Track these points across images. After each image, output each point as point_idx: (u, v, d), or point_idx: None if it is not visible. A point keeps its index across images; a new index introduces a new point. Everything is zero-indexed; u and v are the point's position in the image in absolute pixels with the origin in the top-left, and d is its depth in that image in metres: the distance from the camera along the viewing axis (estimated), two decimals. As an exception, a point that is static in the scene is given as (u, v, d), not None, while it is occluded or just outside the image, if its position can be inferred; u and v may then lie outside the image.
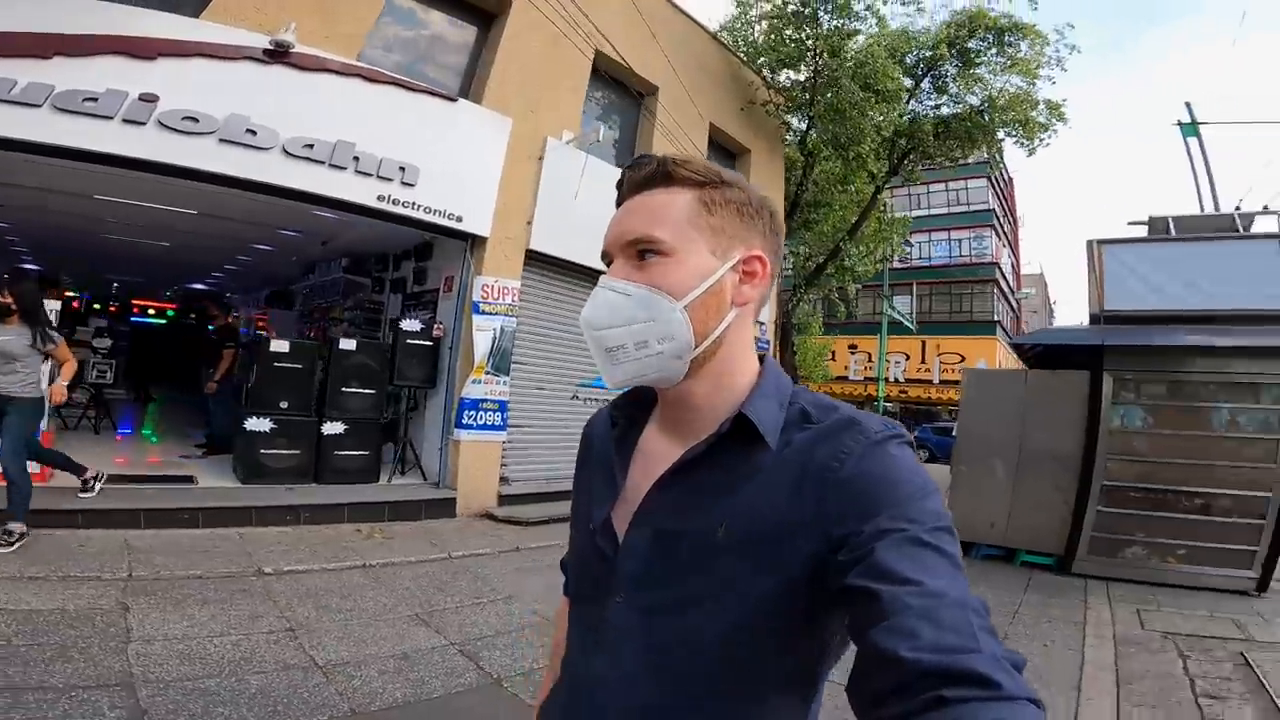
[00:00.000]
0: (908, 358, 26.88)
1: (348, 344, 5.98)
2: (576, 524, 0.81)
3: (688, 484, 0.67)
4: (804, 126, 11.78)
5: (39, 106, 4.03)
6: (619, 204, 0.73)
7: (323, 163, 5.07)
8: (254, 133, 4.72)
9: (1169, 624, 4.32)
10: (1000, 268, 27.45)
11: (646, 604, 0.66)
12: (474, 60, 6.64)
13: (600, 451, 0.80)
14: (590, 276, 7.48)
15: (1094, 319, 6.12)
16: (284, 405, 5.51)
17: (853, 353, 27.68)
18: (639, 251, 0.68)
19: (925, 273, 27.48)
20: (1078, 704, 3.09)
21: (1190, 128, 13.49)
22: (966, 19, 11.90)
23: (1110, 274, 6.02)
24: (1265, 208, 8.00)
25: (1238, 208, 8.69)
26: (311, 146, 5.00)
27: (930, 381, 26.40)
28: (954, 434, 9.06)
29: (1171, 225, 6.55)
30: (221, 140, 4.60)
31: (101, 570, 3.49)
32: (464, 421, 6.15)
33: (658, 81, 8.31)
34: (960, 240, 27.03)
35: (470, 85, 6.46)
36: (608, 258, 0.72)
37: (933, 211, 27.73)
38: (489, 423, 6.32)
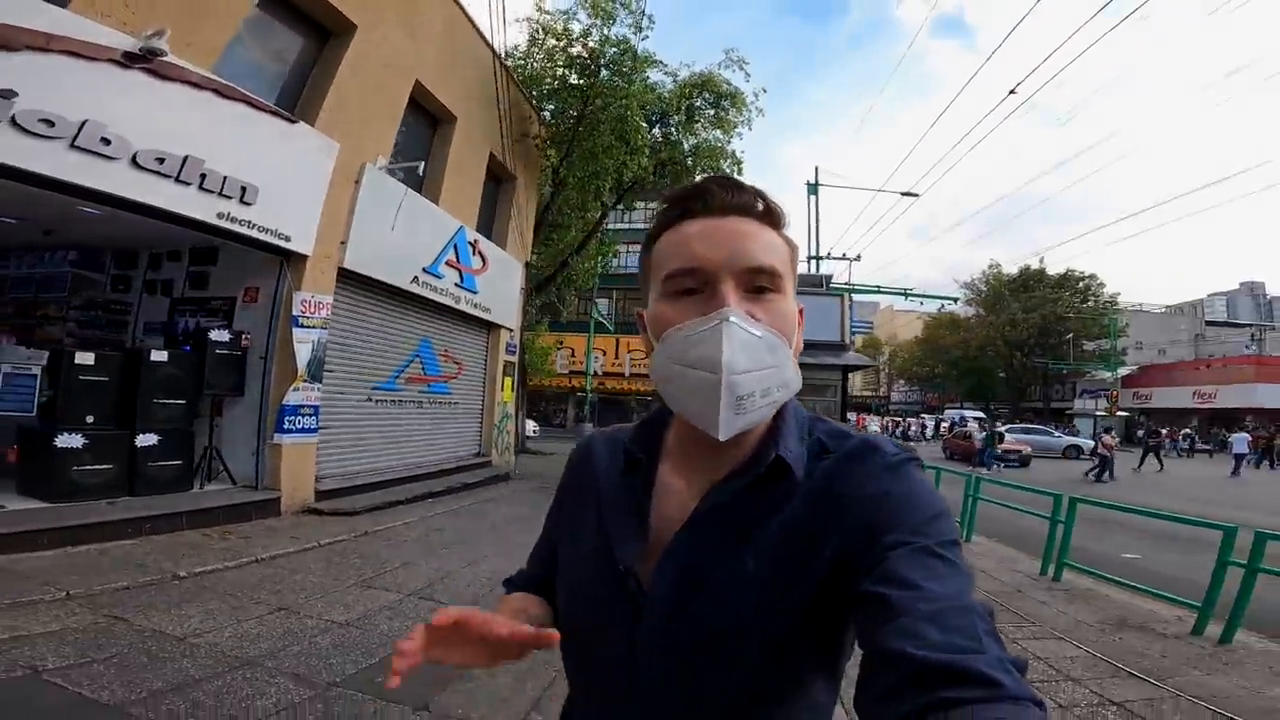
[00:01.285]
0: (604, 354, 31.48)
1: (159, 355, 5.93)
2: (575, 557, 0.79)
3: (717, 523, 0.68)
4: (558, 159, 13.84)
5: None
6: (691, 215, 0.68)
7: (170, 177, 5.20)
8: (108, 141, 4.73)
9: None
10: (676, 281, 34.02)
11: (677, 641, 0.66)
12: (309, 80, 6.98)
13: (609, 485, 0.78)
14: (394, 294, 8.35)
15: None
16: (90, 420, 5.36)
17: (559, 348, 31.05)
18: (756, 285, 0.66)
19: (623, 280, 32.38)
20: None
21: (813, 186, 19.97)
22: (700, 81, 15.39)
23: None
24: (830, 278, 13.15)
25: (829, 276, 13.81)
26: (163, 160, 5.11)
27: (622, 374, 31.44)
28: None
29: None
30: (73, 146, 4.55)
31: (44, 592, 3.68)
32: (285, 426, 6.64)
33: (458, 112, 9.45)
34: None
35: (304, 106, 6.83)
36: (701, 278, 0.65)
37: (632, 225, 32.84)
38: (305, 426, 6.89)
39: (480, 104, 10.21)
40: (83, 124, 4.58)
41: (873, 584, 0.57)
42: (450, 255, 9.24)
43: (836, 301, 9.91)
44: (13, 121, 4.22)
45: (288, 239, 6.45)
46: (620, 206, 17.30)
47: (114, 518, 5.01)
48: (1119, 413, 37.86)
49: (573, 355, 31.32)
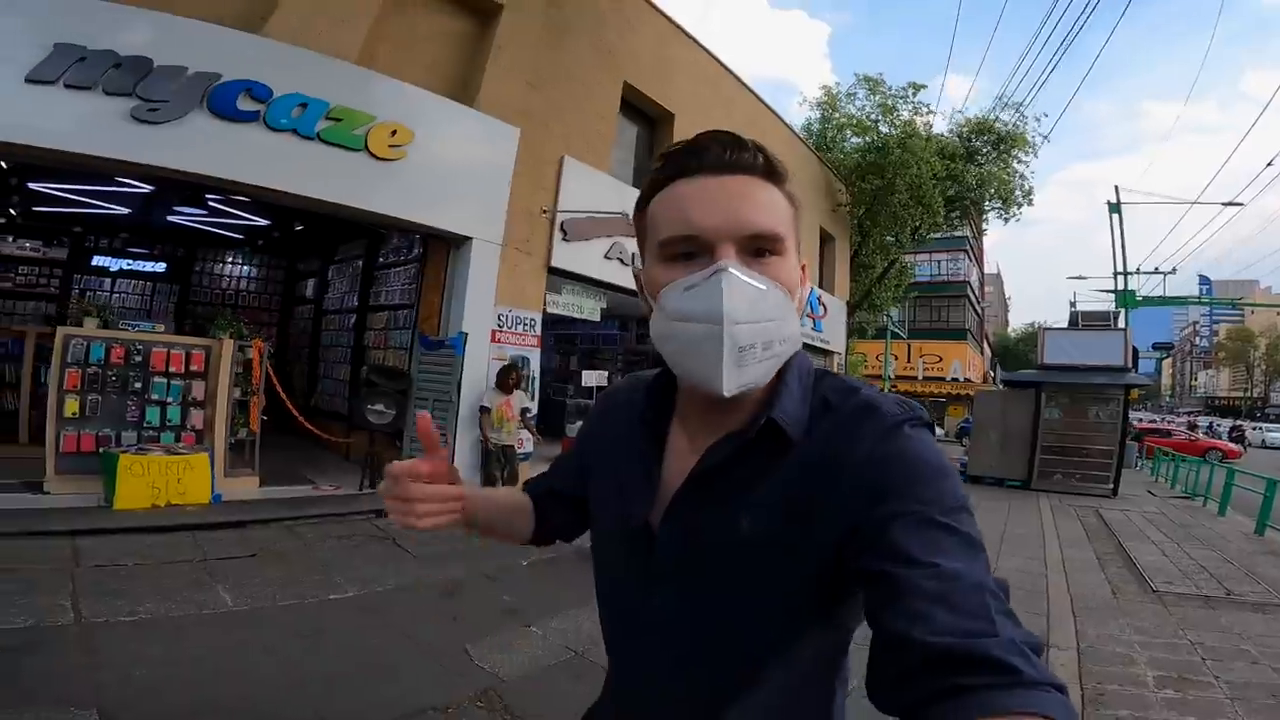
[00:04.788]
0: (896, 358, 35.03)
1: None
2: (599, 514, 0.88)
3: (712, 483, 0.72)
4: (862, 215, 18.80)
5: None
6: (685, 174, 0.70)
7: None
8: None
9: (1073, 505, 11.64)
10: (970, 284, 35.94)
11: (685, 592, 0.73)
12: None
13: (628, 439, 0.83)
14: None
15: (1037, 367, 13.69)
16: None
17: (854, 356, 35.75)
18: (757, 248, 0.68)
19: (912, 289, 35.62)
20: (1042, 528, 10.14)
21: (1114, 206, 21.65)
22: (978, 127, 19.27)
23: (1047, 345, 13.60)
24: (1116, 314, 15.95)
25: (1116, 313, 16.57)
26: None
27: (915, 378, 34.61)
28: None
29: (1080, 319, 14.22)
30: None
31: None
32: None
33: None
34: (940, 261, 35.31)
35: None
36: (698, 244, 0.68)
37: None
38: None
39: (808, 191, 15.83)
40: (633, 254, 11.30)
41: (875, 560, 0.59)
42: (807, 309, 15.13)
43: (1120, 335, 13.27)
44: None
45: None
46: (915, 240, 21.59)
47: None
48: None
49: (865, 361, 35.52)
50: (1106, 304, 21.53)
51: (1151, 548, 7.68)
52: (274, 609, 4.13)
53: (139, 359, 6.20)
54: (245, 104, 5.96)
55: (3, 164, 7.38)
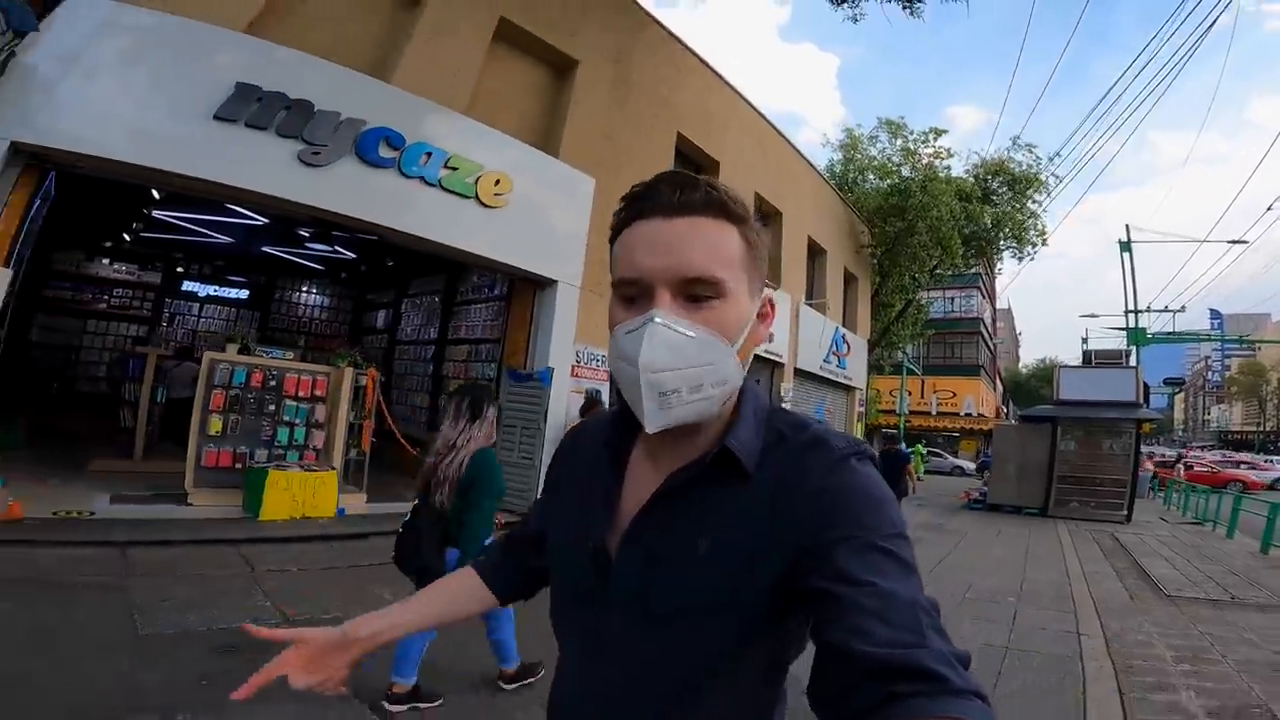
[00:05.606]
0: (910, 394, 35.92)
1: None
2: (558, 533, 0.91)
3: (672, 507, 0.76)
4: (882, 255, 19.91)
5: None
6: (641, 216, 0.73)
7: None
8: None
9: (1090, 530, 12.47)
10: (983, 321, 37.01)
11: (641, 615, 0.76)
12: None
13: (590, 469, 0.88)
14: (810, 376, 15.38)
15: (1053, 402, 14.66)
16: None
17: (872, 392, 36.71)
18: (693, 292, 0.72)
19: (927, 326, 36.65)
20: (1062, 549, 10.97)
21: (1125, 245, 22.62)
22: (993, 169, 20.44)
23: (1062, 382, 14.58)
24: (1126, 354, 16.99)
25: (1127, 352, 17.61)
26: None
27: (929, 413, 35.47)
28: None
29: (1093, 358, 15.23)
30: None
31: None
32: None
33: (828, 246, 16.37)
34: (954, 298, 36.43)
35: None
36: (640, 288, 0.72)
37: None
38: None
39: (834, 234, 16.99)
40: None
41: (820, 580, 0.63)
42: (833, 348, 16.13)
43: (1132, 373, 14.25)
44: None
45: (779, 355, 13.79)
46: (932, 278, 22.68)
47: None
48: None
49: (879, 397, 36.43)
50: (1118, 341, 22.52)
51: (1164, 563, 8.55)
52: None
53: (273, 383, 7.18)
54: (384, 151, 6.94)
55: (155, 193, 8.02)
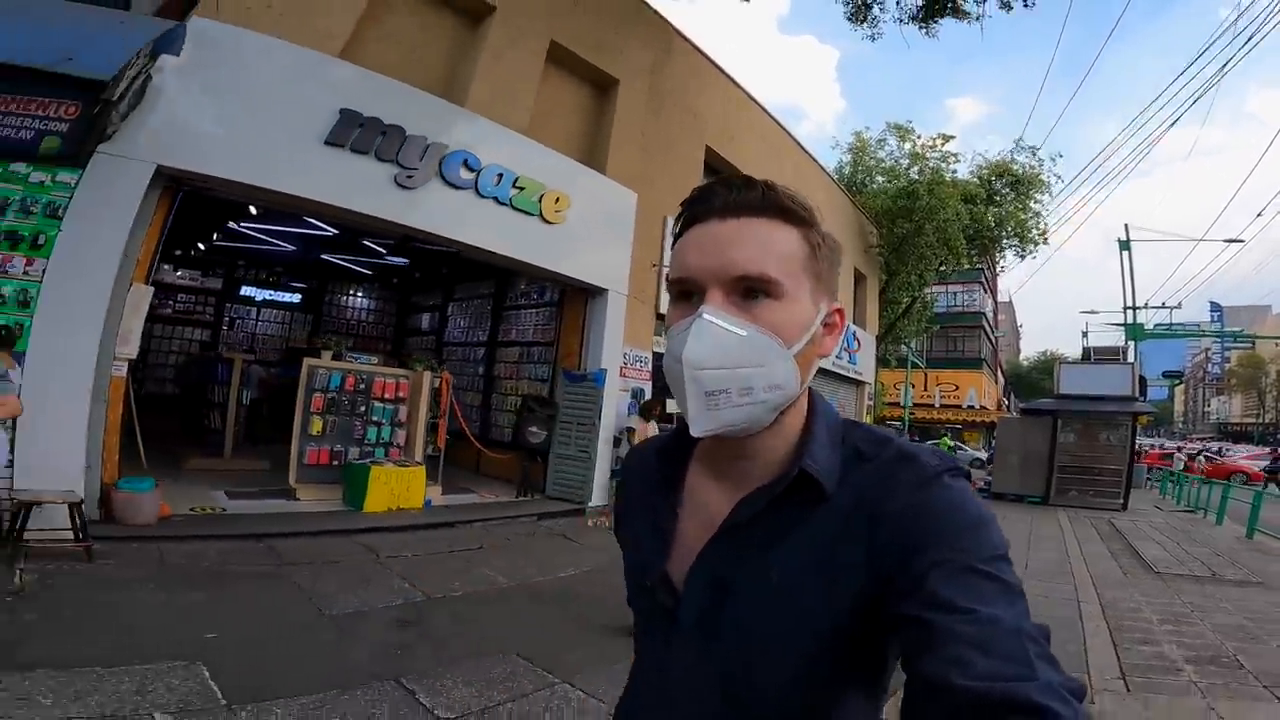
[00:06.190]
0: (913, 386, 36.95)
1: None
2: (628, 563, 0.88)
3: (743, 535, 0.73)
4: (890, 254, 20.81)
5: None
6: (697, 220, 0.73)
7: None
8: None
9: (1088, 516, 13.46)
10: (985, 315, 38.00)
11: (711, 647, 0.73)
12: None
13: (643, 497, 0.86)
14: (826, 373, 16.32)
15: (1054, 396, 15.67)
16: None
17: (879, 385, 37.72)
18: (747, 289, 0.70)
19: (931, 320, 37.68)
20: (1062, 533, 11.88)
21: (1125, 244, 23.51)
22: (997, 170, 21.26)
23: (1062, 376, 15.59)
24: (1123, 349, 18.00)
25: (1124, 348, 18.60)
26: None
27: (932, 405, 36.50)
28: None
29: (1092, 354, 16.21)
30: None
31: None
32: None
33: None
34: (956, 293, 37.40)
35: None
36: (694, 285, 0.71)
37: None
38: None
39: (845, 236, 17.82)
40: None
41: (913, 607, 0.59)
42: (844, 344, 17.06)
43: (1128, 368, 15.29)
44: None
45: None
46: (936, 275, 23.59)
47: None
48: None
49: (884, 390, 37.44)
50: (1117, 335, 23.52)
51: (1155, 545, 9.54)
52: (535, 582, 5.66)
53: (363, 387, 8.09)
54: (463, 173, 7.79)
55: (253, 209, 8.67)
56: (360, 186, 6.97)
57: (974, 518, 0.65)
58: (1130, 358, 17.06)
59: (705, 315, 0.68)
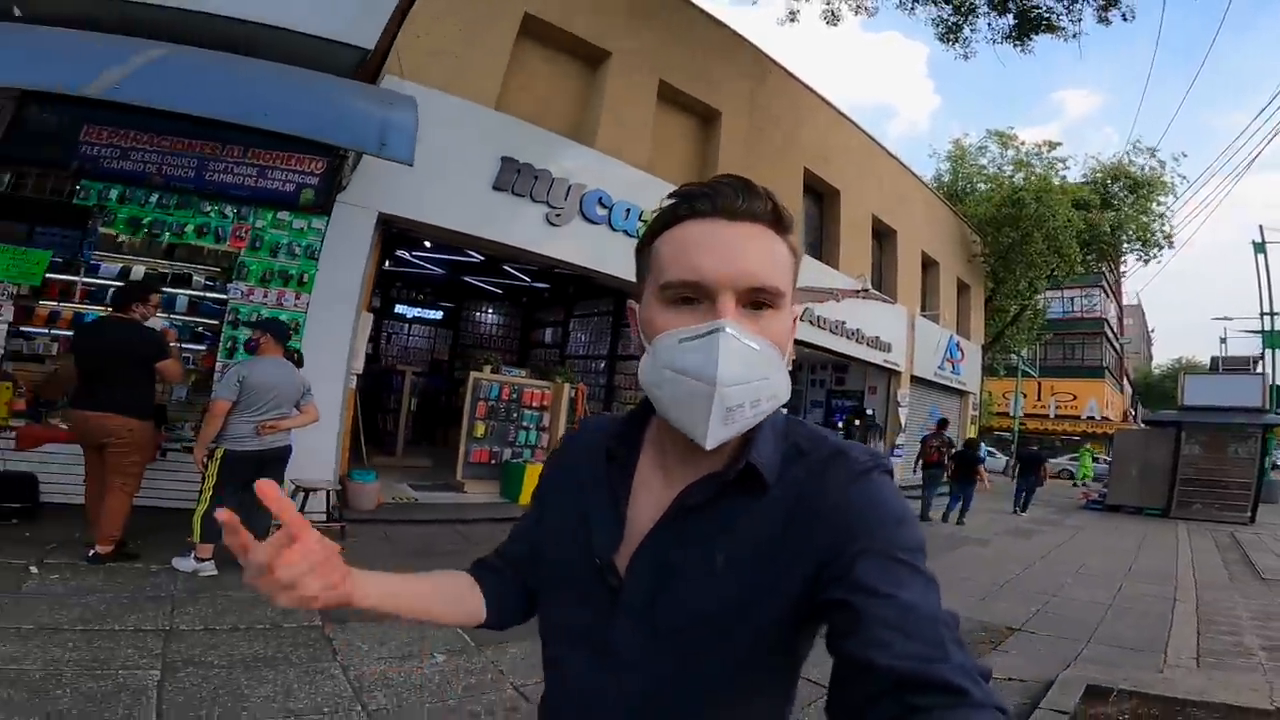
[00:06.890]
0: (1025, 396, 35.61)
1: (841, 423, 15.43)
2: (557, 548, 0.87)
3: (689, 521, 0.76)
4: (996, 263, 20.63)
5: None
6: (697, 215, 0.73)
7: (863, 342, 14.29)
8: (855, 331, 13.96)
9: (1210, 529, 13.20)
10: (1107, 321, 36.12)
11: (651, 629, 0.76)
12: (880, 270, 16.01)
13: (593, 476, 0.86)
14: (927, 384, 16.69)
15: (1178, 408, 15.37)
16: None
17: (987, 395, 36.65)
18: (757, 300, 0.72)
19: (1044, 328, 36.19)
20: (1177, 543, 11.83)
21: (1260, 246, 22.17)
22: (1113, 173, 20.69)
23: (1188, 387, 15.29)
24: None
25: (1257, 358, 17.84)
26: (860, 333, 14.22)
27: (1046, 416, 35.08)
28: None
29: (1220, 364, 15.80)
30: (846, 336, 13.87)
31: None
32: (893, 455, 15.49)
33: (940, 260, 17.58)
34: (1073, 298, 35.81)
35: (887, 290, 15.74)
36: (699, 291, 0.71)
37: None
38: (898, 455, 15.63)
39: (946, 246, 18.07)
40: (857, 329, 13.89)
41: (840, 591, 0.64)
42: (947, 355, 17.33)
43: (1258, 379, 14.83)
44: (831, 330, 13.70)
45: (896, 364, 15.29)
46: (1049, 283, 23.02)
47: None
48: None
49: (992, 399, 36.26)
50: (1256, 342, 22.08)
51: (1273, 556, 9.56)
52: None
53: (515, 396, 9.59)
54: (599, 210, 8.98)
55: (428, 243, 10.01)
56: (520, 224, 8.18)
57: (898, 512, 0.70)
58: (1262, 368, 16.37)
59: (729, 330, 0.68)
